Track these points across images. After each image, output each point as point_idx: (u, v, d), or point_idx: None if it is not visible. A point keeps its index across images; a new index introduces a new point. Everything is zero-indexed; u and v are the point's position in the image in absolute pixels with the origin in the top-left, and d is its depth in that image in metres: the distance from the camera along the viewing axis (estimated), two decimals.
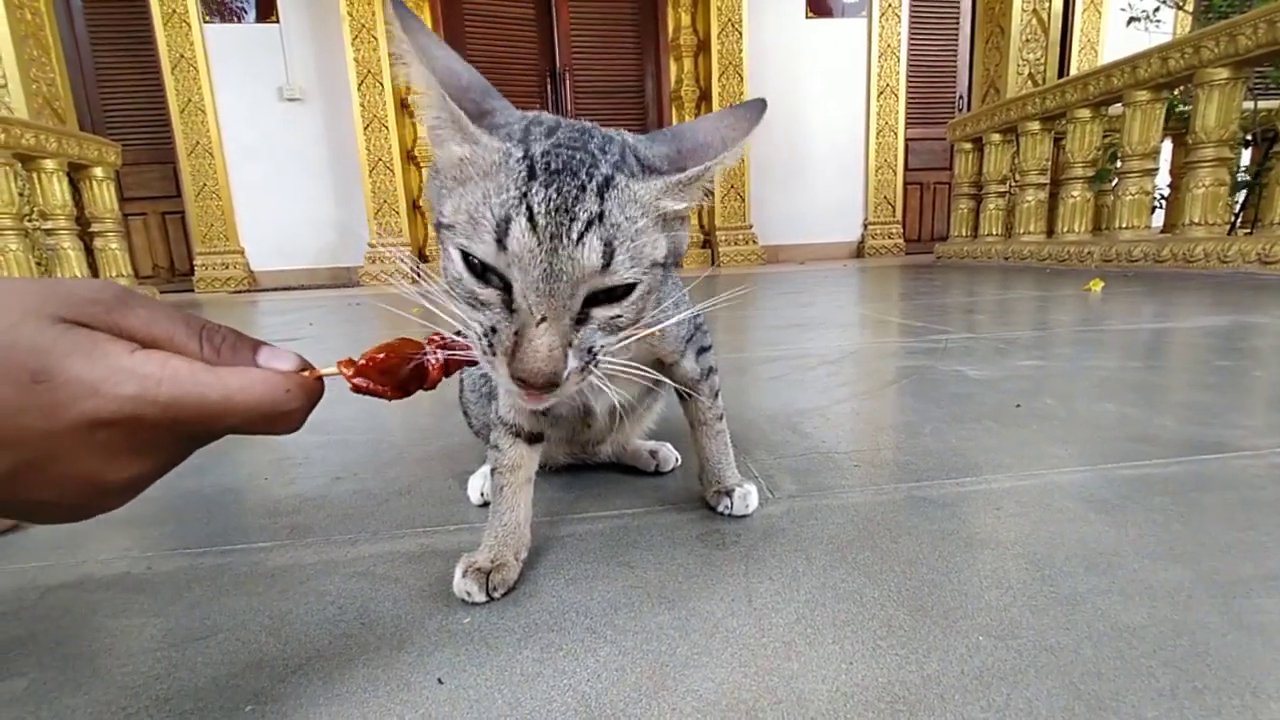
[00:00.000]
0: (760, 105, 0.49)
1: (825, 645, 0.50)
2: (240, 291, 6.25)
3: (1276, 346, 1.55)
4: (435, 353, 0.44)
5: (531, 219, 0.37)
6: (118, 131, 6.06)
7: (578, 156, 0.39)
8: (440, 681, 0.47)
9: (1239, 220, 4.41)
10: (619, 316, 0.42)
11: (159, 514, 0.81)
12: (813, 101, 6.98)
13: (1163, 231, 4.85)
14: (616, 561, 0.64)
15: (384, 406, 1.33)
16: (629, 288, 0.41)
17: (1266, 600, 0.53)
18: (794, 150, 7.02)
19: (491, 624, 0.54)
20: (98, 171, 4.78)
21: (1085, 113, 4.21)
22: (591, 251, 0.38)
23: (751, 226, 6.88)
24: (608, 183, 0.39)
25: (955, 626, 0.51)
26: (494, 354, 0.41)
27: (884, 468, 0.86)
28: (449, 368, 0.46)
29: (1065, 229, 4.47)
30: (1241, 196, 4.23)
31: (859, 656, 0.48)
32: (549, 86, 6.52)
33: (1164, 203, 5.14)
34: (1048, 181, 4.81)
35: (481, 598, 0.57)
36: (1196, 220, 3.52)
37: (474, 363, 0.44)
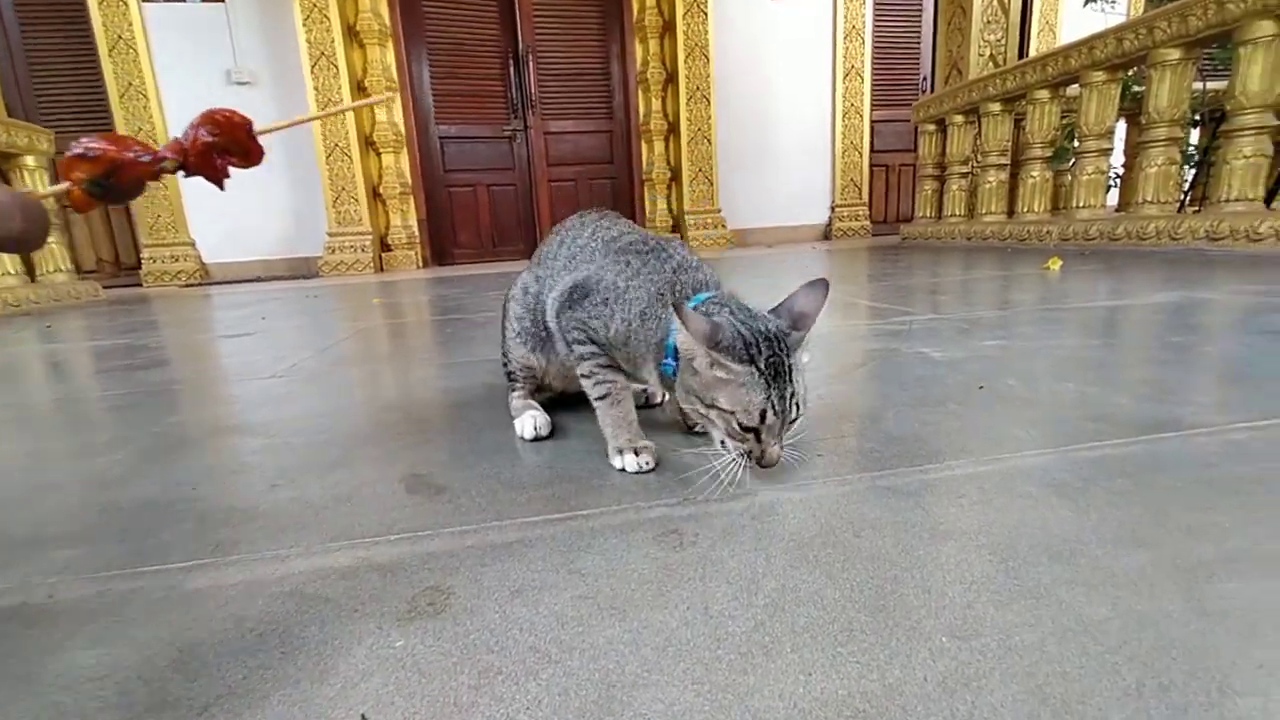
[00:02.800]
0: (826, 285, 0.80)
1: (784, 655, 0.47)
2: (192, 285, 6.00)
3: (1225, 322, 1.58)
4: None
5: (774, 409, 0.72)
6: (51, 117, 5.72)
7: (781, 362, 0.73)
8: (364, 718, 0.43)
9: (1188, 199, 4.54)
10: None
11: (71, 534, 0.74)
12: (780, 84, 6.95)
13: (1117, 210, 4.97)
14: (567, 569, 0.60)
15: (335, 406, 1.27)
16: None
17: (1228, 584, 0.52)
18: (762, 133, 6.99)
19: (426, 647, 0.50)
20: (28, 160, 4.49)
21: (1044, 93, 4.26)
22: (799, 409, 0.75)
23: (720, 210, 6.84)
24: (792, 370, 0.73)
25: (918, 628, 0.49)
26: (750, 459, 0.74)
27: (848, 456, 0.84)
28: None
29: (1025, 209, 4.54)
30: (1190, 176, 4.35)
31: (818, 666, 0.45)
32: (511, 68, 6.35)
33: (1118, 182, 5.27)
34: (1008, 162, 4.87)
35: (650, 465, 0.83)
36: (1149, 199, 3.60)
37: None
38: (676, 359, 0.79)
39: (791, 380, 0.72)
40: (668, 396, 1.10)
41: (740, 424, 0.72)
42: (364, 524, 0.72)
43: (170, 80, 5.83)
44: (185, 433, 1.14)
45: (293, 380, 1.52)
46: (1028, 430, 0.89)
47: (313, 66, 5.76)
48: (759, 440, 0.73)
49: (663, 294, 0.83)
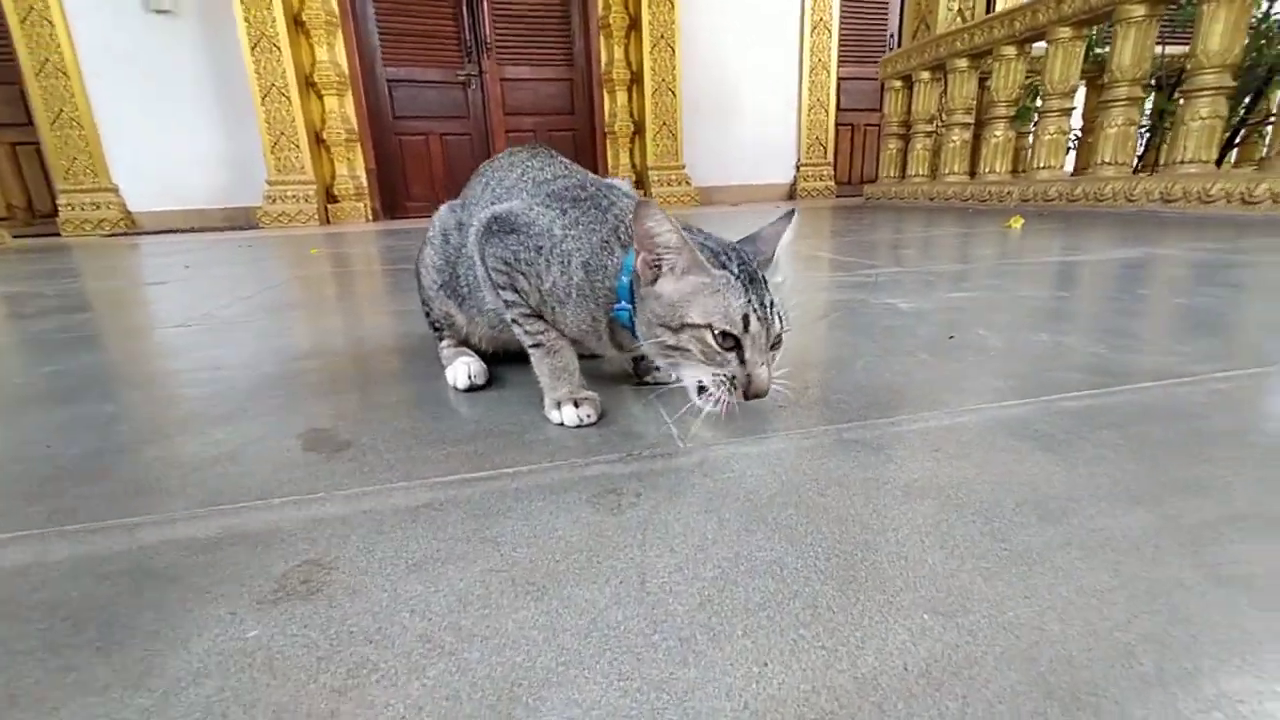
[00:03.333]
0: (792, 212, 0.76)
1: (734, 640, 0.38)
2: (116, 235, 5.53)
3: (1189, 276, 1.56)
4: None
5: (757, 315, 0.62)
6: None
7: (754, 271, 0.65)
8: None
9: (1140, 163, 4.59)
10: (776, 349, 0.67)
11: None
12: (747, 36, 6.71)
13: (1074, 174, 5.01)
14: (480, 537, 0.50)
15: (243, 356, 1.12)
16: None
17: (1240, 546, 0.45)
18: (727, 87, 6.77)
19: (288, 637, 0.40)
20: None
21: (1010, 50, 4.19)
22: (783, 322, 0.65)
23: (684, 167, 6.66)
24: (766, 282, 0.65)
25: (894, 602, 0.41)
26: (734, 387, 0.63)
27: (812, 408, 0.76)
28: None
29: (987, 169, 4.52)
30: (1143, 141, 4.39)
31: (775, 654, 0.37)
32: (464, 6, 5.94)
33: (1076, 145, 5.30)
34: (973, 121, 4.83)
35: (592, 417, 0.73)
36: (1108, 160, 3.61)
37: None
38: (632, 300, 0.69)
39: (768, 290, 0.65)
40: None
41: (720, 337, 0.62)
42: (241, 486, 0.60)
43: (78, 5, 5.25)
44: (57, 384, 0.98)
45: (202, 329, 1.36)
46: (1005, 380, 0.82)
47: None
48: (743, 362, 0.63)
49: (608, 241, 0.72)
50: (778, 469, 0.60)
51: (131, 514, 0.56)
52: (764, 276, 0.65)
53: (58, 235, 5.53)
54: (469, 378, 0.87)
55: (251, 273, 2.39)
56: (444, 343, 0.96)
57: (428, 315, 0.98)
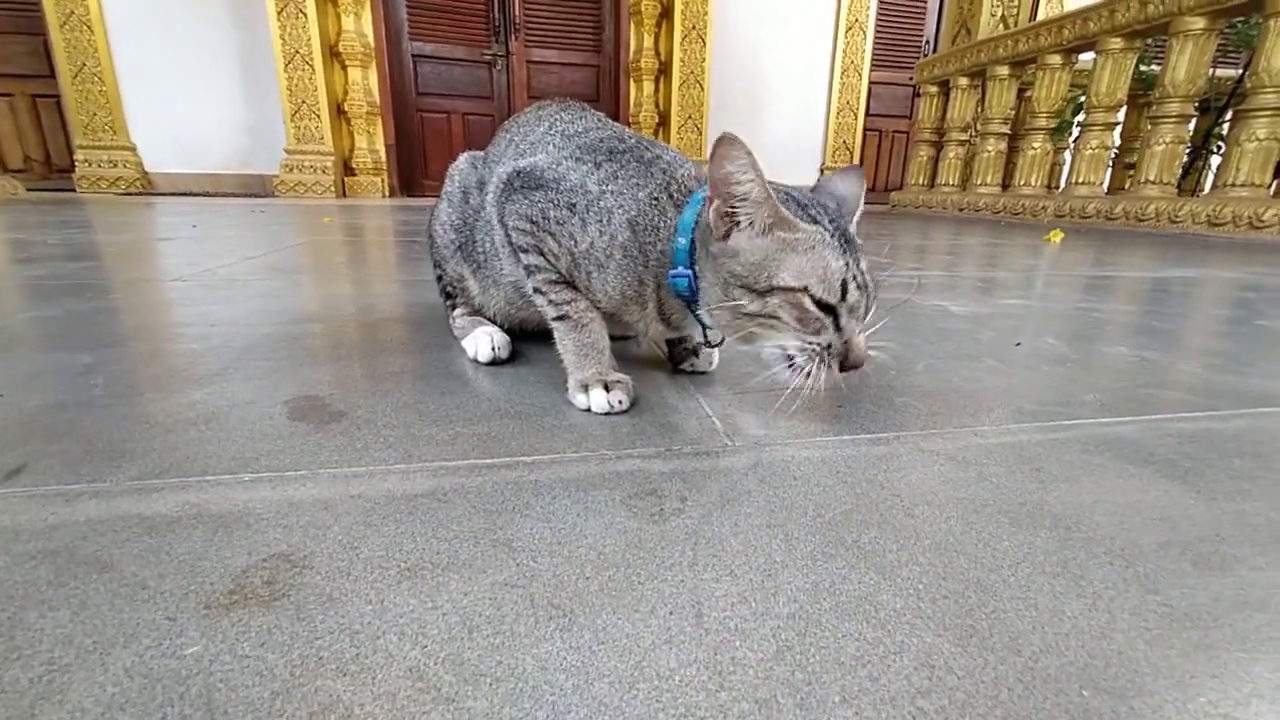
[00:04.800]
0: (859, 171, 0.66)
1: (830, 709, 0.28)
2: (131, 194, 5.48)
3: (1260, 298, 1.44)
4: None
5: (857, 281, 0.55)
6: None
7: (846, 229, 0.58)
8: None
9: (1181, 186, 4.44)
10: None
11: None
12: (780, 31, 6.57)
13: (1108, 193, 4.86)
14: (490, 539, 0.41)
15: (238, 314, 1.03)
16: None
17: None
18: (757, 83, 6.64)
19: (239, 658, 0.30)
20: None
21: (1056, 59, 4.05)
22: (876, 292, 0.58)
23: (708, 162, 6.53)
24: (858, 243, 0.59)
25: (1035, 669, 0.31)
26: (829, 358, 0.56)
27: (875, 410, 0.66)
28: None
29: (1022, 181, 4.38)
30: (1183, 163, 4.23)
31: None
32: None
33: (1111, 164, 5.15)
34: (1009, 132, 4.69)
35: (624, 404, 0.62)
36: (1152, 179, 3.48)
37: None
38: (691, 265, 0.59)
39: (862, 253, 0.57)
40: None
41: (816, 302, 0.54)
42: (212, 455, 0.51)
43: None
44: (34, 330, 0.89)
45: (199, 285, 1.27)
46: (1093, 394, 0.72)
47: None
48: (838, 329, 0.54)
49: (657, 199, 0.62)
50: (848, 478, 0.50)
51: (77, 479, 0.46)
52: (854, 238, 0.57)
53: (73, 191, 5.48)
54: (492, 350, 0.77)
55: (261, 236, 2.31)
56: (456, 311, 0.87)
57: (439, 280, 0.88)
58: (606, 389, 0.62)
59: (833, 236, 0.54)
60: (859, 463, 0.53)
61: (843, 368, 0.55)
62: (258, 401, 0.63)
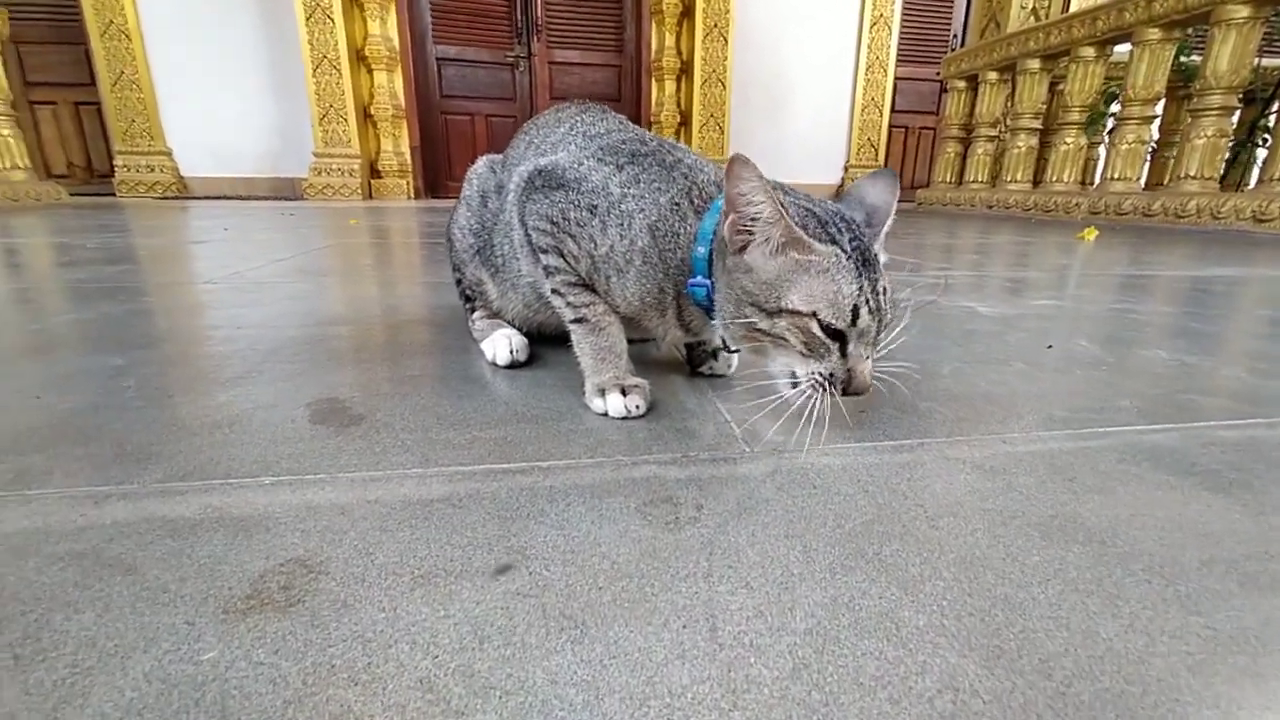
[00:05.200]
0: (894, 175, 0.62)
1: None
2: (168, 198, 5.64)
3: None
4: None
5: (869, 305, 0.52)
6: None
7: (867, 249, 0.54)
8: None
9: (1223, 181, 4.28)
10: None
11: None
12: (803, 28, 6.50)
13: (1145, 188, 4.71)
14: (504, 546, 0.40)
15: (266, 317, 1.05)
16: None
17: None
18: (779, 81, 6.57)
19: (254, 664, 0.30)
20: None
21: (1090, 51, 3.93)
22: (892, 311, 0.56)
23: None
24: (879, 259, 0.56)
25: (1067, 694, 0.29)
26: (831, 384, 0.53)
27: (899, 415, 0.64)
28: None
29: (1054, 178, 4.26)
30: (1225, 157, 4.09)
31: None
32: None
33: (1149, 159, 4.99)
34: (1041, 127, 4.57)
35: (641, 408, 0.62)
36: (1192, 174, 3.36)
37: None
38: (710, 274, 0.58)
39: (881, 272, 0.54)
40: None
41: (823, 328, 0.52)
42: (235, 458, 0.52)
43: None
44: (71, 333, 0.92)
45: (229, 289, 1.30)
46: (1130, 399, 0.69)
47: None
48: (844, 355, 0.53)
49: (678, 204, 0.61)
50: (869, 487, 0.49)
51: (106, 481, 0.47)
52: (876, 254, 0.54)
53: (113, 195, 5.66)
54: (511, 352, 0.77)
55: (289, 238, 2.35)
56: (476, 314, 0.87)
57: (458, 283, 0.89)
58: (623, 393, 0.62)
59: (849, 257, 0.52)
60: (881, 471, 0.52)
61: (844, 393, 0.53)
62: (280, 404, 0.64)
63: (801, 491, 0.48)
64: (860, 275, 0.52)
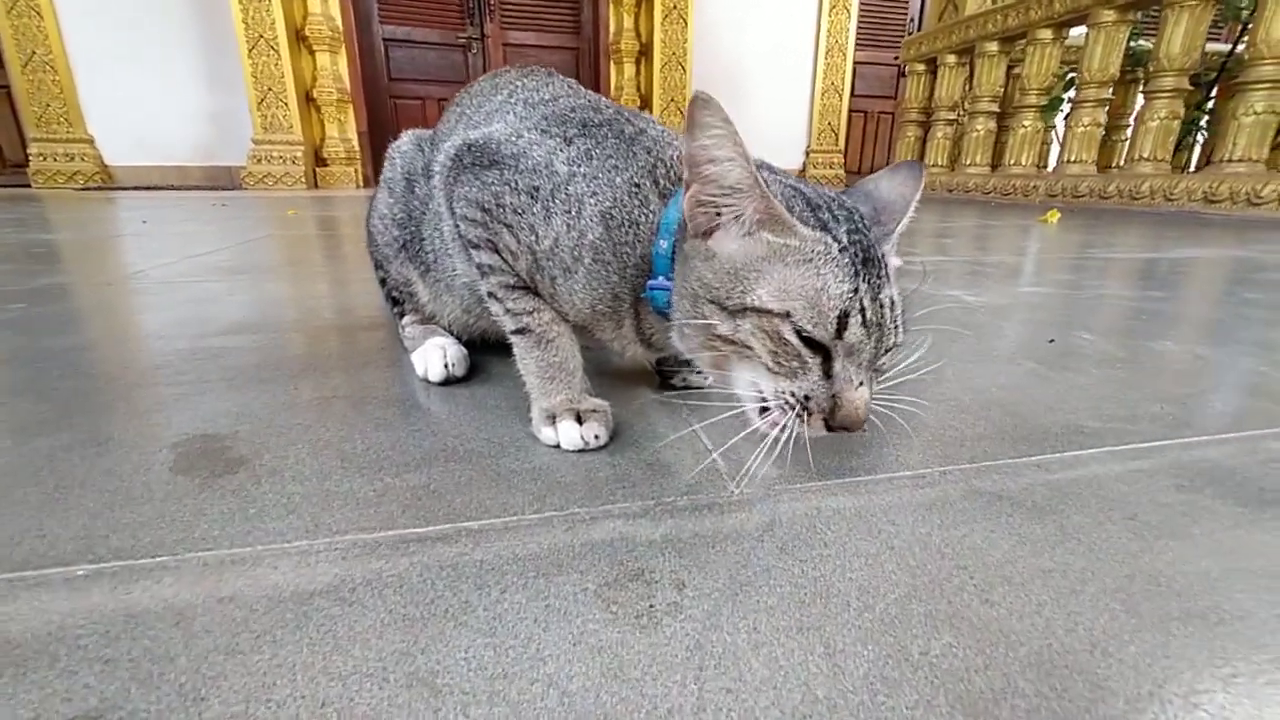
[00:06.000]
0: (918, 168, 0.50)
1: None
2: (90, 189, 5.22)
3: None
4: None
5: (863, 315, 0.40)
6: None
7: (870, 246, 0.42)
8: None
9: (1171, 163, 4.37)
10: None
11: None
12: (762, 10, 6.41)
13: (1098, 170, 4.80)
14: (405, 672, 0.28)
15: (159, 326, 0.89)
16: None
17: None
18: (739, 63, 6.47)
19: None
20: None
21: (1047, 33, 3.95)
22: (900, 332, 0.43)
23: None
24: (886, 262, 0.43)
25: None
26: (807, 411, 0.41)
27: (912, 431, 0.54)
28: None
29: (1013, 161, 4.29)
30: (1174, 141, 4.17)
31: None
32: None
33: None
34: (999, 110, 4.59)
35: (601, 439, 0.50)
36: (1146, 156, 3.40)
37: None
38: (670, 273, 0.46)
39: (888, 278, 0.42)
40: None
41: (799, 335, 0.40)
42: (47, 534, 0.38)
43: None
44: None
45: (126, 291, 1.12)
46: (1160, 404, 0.61)
47: None
48: (828, 375, 0.40)
49: (638, 185, 0.49)
50: (894, 541, 0.38)
51: None
52: (882, 257, 0.42)
53: (28, 186, 5.21)
54: (445, 367, 0.64)
55: (214, 231, 2.14)
56: (406, 319, 0.74)
57: (383, 283, 0.75)
58: (579, 420, 0.50)
59: (843, 250, 0.41)
60: (903, 514, 0.41)
61: (829, 427, 0.41)
62: (139, 445, 0.50)
63: (811, 553, 0.37)
64: (857, 275, 0.40)
